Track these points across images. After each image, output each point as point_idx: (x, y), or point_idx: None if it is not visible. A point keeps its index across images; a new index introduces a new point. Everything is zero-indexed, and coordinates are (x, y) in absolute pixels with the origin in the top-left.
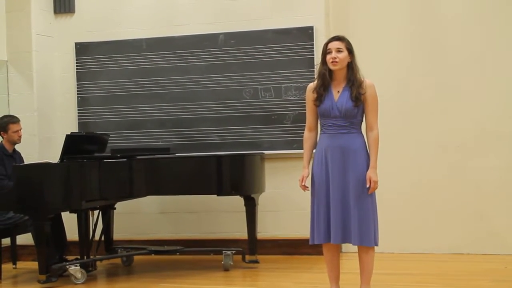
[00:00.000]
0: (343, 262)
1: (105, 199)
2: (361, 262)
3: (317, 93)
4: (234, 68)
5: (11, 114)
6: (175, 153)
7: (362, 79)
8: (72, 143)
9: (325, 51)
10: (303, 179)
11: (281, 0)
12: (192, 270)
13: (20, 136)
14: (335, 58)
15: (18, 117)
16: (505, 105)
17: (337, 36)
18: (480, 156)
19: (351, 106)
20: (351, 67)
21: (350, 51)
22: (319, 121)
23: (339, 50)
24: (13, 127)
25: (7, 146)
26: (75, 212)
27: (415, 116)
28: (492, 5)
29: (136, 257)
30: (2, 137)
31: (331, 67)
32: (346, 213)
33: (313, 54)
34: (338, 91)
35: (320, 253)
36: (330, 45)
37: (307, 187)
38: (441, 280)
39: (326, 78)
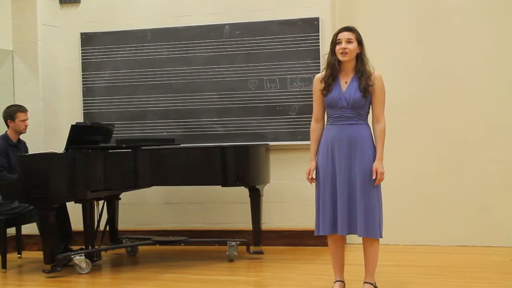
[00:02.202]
0: (347, 253)
1: (110, 190)
2: (365, 254)
3: (325, 83)
4: (239, 59)
5: (17, 103)
6: (180, 144)
7: (372, 70)
8: (77, 133)
9: (335, 41)
10: (310, 171)
11: None
12: (196, 261)
13: (26, 126)
14: (345, 49)
15: (23, 105)
16: (510, 96)
17: (347, 26)
18: (485, 148)
19: (359, 97)
20: (361, 58)
21: (360, 42)
22: (326, 112)
23: (349, 41)
24: (20, 116)
25: (12, 136)
26: (80, 202)
27: (421, 108)
28: None
29: (140, 248)
30: (8, 126)
31: (341, 58)
32: (352, 204)
33: (318, 45)
34: (346, 82)
35: (324, 244)
36: (340, 36)
37: (315, 179)
38: (445, 272)
39: (335, 68)
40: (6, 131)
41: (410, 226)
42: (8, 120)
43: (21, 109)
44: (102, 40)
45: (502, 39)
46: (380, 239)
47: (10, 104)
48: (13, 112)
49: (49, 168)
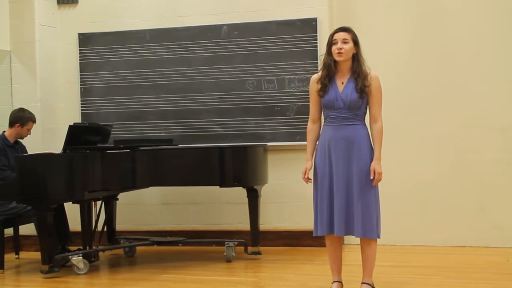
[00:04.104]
0: (345, 254)
1: (108, 190)
2: (363, 254)
3: (321, 84)
4: (237, 59)
5: (14, 104)
6: (177, 144)
7: (368, 71)
8: (75, 133)
9: (331, 42)
10: (306, 171)
11: None
12: (194, 261)
13: (28, 135)
14: (340, 49)
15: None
16: (508, 97)
17: (343, 27)
18: (483, 149)
19: (356, 98)
20: (357, 58)
21: (356, 42)
22: (322, 112)
23: (345, 41)
24: (30, 125)
25: (10, 137)
26: (78, 203)
27: (418, 109)
28: None
29: (138, 248)
30: (12, 127)
31: (337, 58)
32: (349, 205)
33: (316, 46)
34: (342, 83)
35: (322, 245)
36: (336, 36)
37: (310, 179)
38: (443, 272)
39: (331, 69)
40: (4, 131)
41: (408, 226)
42: (17, 124)
43: (33, 119)
44: (100, 40)
45: (500, 40)
46: (377, 239)
47: (22, 107)
48: (27, 120)
49: (46, 169)
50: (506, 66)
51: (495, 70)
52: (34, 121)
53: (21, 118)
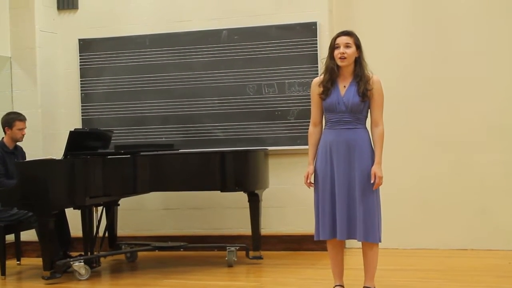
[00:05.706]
0: (347, 258)
1: (109, 196)
2: (365, 258)
3: (323, 87)
4: (238, 64)
5: (15, 110)
6: (178, 149)
7: (370, 75)
8: (75, 139)
9: (333, 46)
10: (308, 176)
11: None
12: (196, 266)
13: (23, 135)
14: (343, 53)
15: (22, 113)
16: (509, 98)
17: (346, 31)
18: (484, 151)
19: (358, 102)
20: (359, 62)
21: (358, 46)
22: (324, 116)
23: (347, 45)
24: (19, 124)
25: (8, 143)
26: (79, 209)
27: (419, 110)
28: None
29: (140, 253)
30: (5, 133)
31: (339, 62)
32: (351, 208)
33: (316, 50)
34: (344, 86)
35: (324, 249)
36: (339, 40)
37: (313, 183)
38: (445, 275)
39: (334, 72)
40: (3, 138)
41: (410, 230)
42: (6, 127)
43: (20, 117)
44: (100, 46)
45: (501, 42)
46: (379, 243)
47: (9, 111)
48: (12, 120)
49: (47, 175)
50: (506, 66)
51: (495, 71)
52: (22, 120)
53: (7, 121)
